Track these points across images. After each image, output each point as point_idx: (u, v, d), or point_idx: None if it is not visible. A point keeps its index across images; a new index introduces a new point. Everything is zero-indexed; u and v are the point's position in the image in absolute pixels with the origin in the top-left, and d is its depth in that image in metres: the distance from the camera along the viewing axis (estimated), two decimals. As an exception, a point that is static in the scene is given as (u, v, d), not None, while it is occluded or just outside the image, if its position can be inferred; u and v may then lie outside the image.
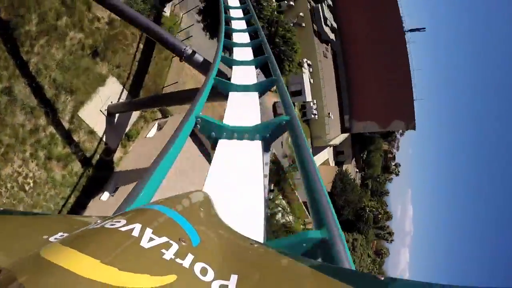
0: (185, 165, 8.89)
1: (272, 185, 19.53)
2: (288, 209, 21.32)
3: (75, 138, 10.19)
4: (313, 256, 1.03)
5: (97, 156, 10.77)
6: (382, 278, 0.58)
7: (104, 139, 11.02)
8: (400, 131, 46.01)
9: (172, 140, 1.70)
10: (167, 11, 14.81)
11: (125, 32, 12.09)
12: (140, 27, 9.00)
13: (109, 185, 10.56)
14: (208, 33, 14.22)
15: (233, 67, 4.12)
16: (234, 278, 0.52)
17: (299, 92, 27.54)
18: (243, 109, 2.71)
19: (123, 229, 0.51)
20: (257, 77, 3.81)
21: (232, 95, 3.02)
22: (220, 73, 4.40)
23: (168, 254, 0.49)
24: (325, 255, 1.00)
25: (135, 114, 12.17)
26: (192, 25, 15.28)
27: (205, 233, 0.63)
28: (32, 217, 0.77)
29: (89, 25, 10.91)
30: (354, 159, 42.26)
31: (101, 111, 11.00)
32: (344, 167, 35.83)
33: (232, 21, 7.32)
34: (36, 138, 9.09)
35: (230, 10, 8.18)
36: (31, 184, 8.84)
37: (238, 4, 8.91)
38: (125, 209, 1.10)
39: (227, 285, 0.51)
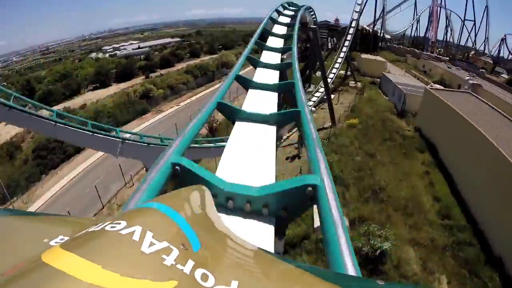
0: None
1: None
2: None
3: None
4: (311, 197, 1.20)
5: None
6: (382, 283, 0.58)
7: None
8: None
9: (194, 119, 2.00)
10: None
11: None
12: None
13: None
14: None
15: (257, 68, 4.41)
16: (235, 284, 0.53)
17: None
18: (261, 101, 3.04)
19: (123, 232, 0.51)
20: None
21: (251, 91, 3.34)
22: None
23: (169, 260, 0.49)
24: (318, 196, 1.16)
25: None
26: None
27: (206, 237, 0.63)
28: (32, 218, 0.77)
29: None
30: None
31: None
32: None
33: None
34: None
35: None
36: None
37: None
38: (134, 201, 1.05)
39: None
